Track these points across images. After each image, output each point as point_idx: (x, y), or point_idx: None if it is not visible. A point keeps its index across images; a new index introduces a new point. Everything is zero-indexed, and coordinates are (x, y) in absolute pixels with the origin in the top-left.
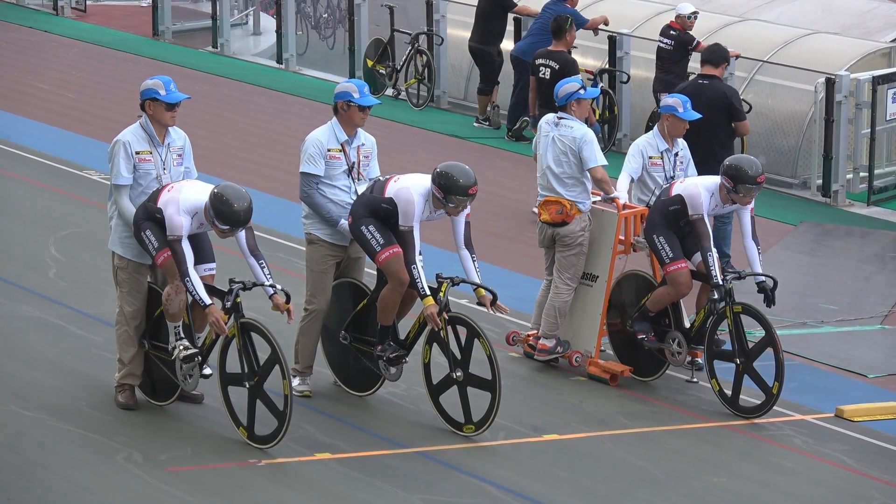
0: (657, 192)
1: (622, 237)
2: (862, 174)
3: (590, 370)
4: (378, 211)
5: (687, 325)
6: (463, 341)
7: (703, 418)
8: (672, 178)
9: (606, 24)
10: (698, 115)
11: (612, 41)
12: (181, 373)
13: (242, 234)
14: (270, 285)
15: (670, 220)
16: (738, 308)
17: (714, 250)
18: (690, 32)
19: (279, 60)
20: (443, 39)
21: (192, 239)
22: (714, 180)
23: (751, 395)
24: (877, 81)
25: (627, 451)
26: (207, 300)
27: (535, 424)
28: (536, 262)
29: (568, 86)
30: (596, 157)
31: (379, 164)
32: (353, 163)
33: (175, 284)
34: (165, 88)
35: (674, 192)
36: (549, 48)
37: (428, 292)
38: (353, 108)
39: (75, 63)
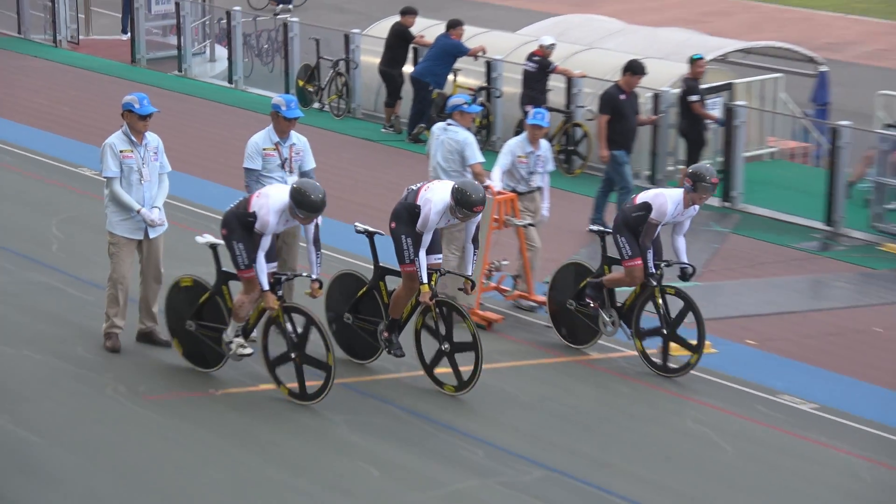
0: (521, 182)
1: (496, 216)
2: (680, 167)
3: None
4: (414, 217)
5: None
6: (447, 318)
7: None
8: (532, 172)
9: (484, 52)
10: (545, 124)
11: (489, 65)
12: (230, 356)
13: (312, 227)
14: (316, 277)
15: (632, 225)
16: (671, 290)
17: (651, 248)
18: (549, 59)
19: (230, 81)
20: (357, 64)
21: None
22: (679, 192)
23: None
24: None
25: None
26: (266, 285)
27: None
28: None
29: (455, 100)
30: (475, 155)
31: (318, 165)
32: (286, 158)
33: (250, 296)
34: (140, 103)
35: (639, 200)
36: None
37: (426, 280)
38: (280, 119)
39: (70, 84)
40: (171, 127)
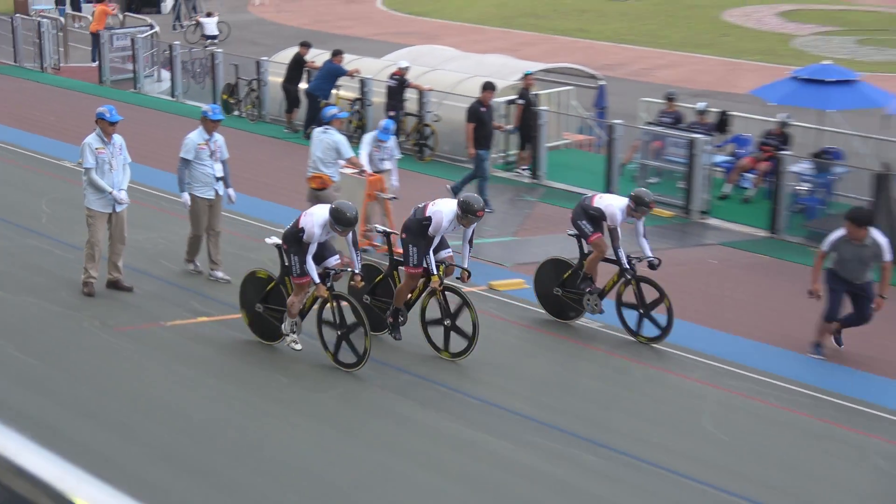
0: (374, 164)
1: (369, 193)
2: (502, 152)
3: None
4: (423, 229)
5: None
6: (453, 306)
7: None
8: (383, 159)
9: (359, 73)
10: (387, 138)
11: (362, 82)
12: (284, 343)
13: (351, 235)
14: (358, 272)
15: (588, 214)
16: (643, 281)
17: (621, 248)
18: (406, 77)
19: (172, 95)
20: (266, 83)
21: (321, 243)
22: (625, 201)
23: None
24: (509, 102)
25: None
26: (317, 280)
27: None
28: None
29: (331, 110)
30: (349, 151)
31: (238, 157)
32: (213, 150)
33: (299, 297)
34: (110, 113)
35: (595, 203)
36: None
37: (435, 271)
38: (207, 121)
39: (54, 99)
40: (130, 130)
